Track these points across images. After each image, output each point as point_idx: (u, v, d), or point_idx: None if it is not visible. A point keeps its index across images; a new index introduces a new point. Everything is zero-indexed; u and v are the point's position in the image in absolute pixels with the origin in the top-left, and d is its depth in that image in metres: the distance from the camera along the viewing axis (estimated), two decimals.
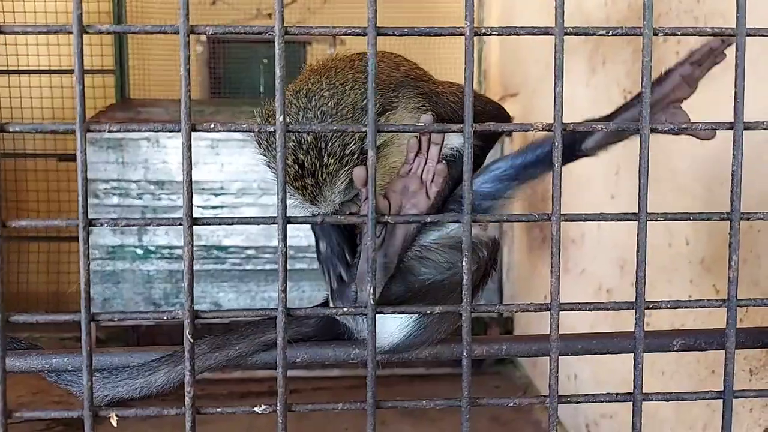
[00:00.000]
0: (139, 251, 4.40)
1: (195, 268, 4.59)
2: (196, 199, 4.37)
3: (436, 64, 1.45)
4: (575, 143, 1.09)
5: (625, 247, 2.86)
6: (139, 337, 4.70)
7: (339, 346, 1.13)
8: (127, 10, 4.83)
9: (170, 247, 4.39)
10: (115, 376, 1.15)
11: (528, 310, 0.72)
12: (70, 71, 4.83)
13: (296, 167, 1.13)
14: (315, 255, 4.31)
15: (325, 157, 1.10)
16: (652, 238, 2.47)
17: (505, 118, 1.35)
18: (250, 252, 4.47)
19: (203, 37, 6.07)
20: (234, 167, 4.38)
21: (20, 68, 5.05)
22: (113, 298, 4.44)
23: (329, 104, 1.13)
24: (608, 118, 1.11)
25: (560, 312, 0.73)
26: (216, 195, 4.41)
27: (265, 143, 1.19)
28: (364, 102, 1.13)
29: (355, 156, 1.11)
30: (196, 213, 4.37)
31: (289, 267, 5.24)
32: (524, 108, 4.38)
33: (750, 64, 0.82)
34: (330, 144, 1.09)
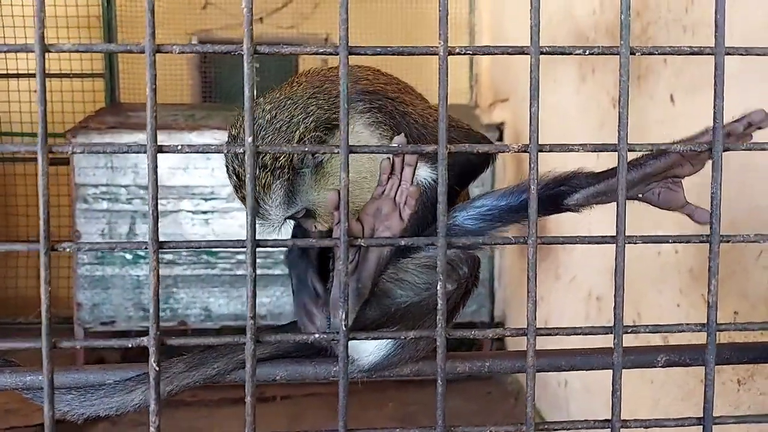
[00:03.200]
0: (129, 256, 4.36)
1: (185, 273, 4.52)
2: (186, 204, 4.34)
3: (418, 81, 1.41)
4: (559, 197, 1.06)
5: (615, 255, 2.85)
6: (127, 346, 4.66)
7: (320, 364, 1.11)
8: (117, 15, 4.80)
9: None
10: (92, 394, 1.14)
11: (504, 336, 0.70)
12: (59, 75, 4.80)
13: (235, 178, 1.17)
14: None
15: (258, 170, 1.11)
16: (642, 248, 2.46)
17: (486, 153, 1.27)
18: (240, 257, 4.43)
19: (194, 41, 6.04)
20: (225, 172, 4.34)
21: (8, 72, 5.01)
22: (102, 304, 4.40)
23: (266, 117, 1.15)
24: (599, 175, 1.06)
25: (537, 334, 0.72)
26: (206, 200, 4.38)
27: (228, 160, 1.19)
28: (300, 116, 1.14)
29: (286, 169, 1.12)
30: (186, 217, 4.35)
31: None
32: (515, 114, 4.37)
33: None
34: (261, 156, 1.10)
